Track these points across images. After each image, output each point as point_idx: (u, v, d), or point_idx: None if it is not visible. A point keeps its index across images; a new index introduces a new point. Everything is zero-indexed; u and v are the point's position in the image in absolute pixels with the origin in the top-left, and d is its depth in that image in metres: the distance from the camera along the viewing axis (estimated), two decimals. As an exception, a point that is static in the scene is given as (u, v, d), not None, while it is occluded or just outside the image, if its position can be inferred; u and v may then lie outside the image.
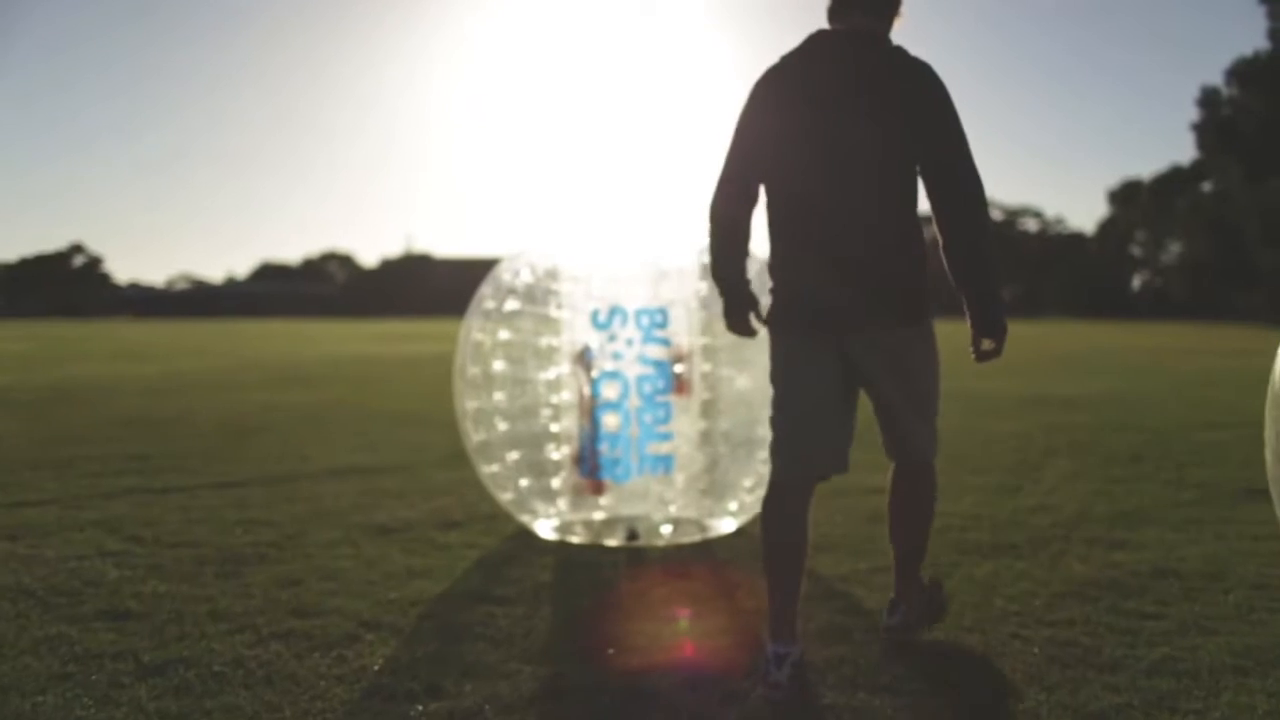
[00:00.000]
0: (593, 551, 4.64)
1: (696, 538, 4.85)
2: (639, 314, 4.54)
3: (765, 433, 5.09)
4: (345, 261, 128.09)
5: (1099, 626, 3.54)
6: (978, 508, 5.57)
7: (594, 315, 4.56)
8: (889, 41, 3.05)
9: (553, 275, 4.79)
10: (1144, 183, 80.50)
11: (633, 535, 4.70)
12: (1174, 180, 75.77)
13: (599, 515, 4.94)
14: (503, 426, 4.81)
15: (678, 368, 4.66)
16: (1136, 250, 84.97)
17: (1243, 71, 48.31)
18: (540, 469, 4.86)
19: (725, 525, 4.97)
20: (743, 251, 3.09)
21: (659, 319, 4.56)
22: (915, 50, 3.07)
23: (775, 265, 3.07)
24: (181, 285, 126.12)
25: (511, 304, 4.88)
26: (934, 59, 2.99)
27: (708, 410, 4.97)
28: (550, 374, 4.76)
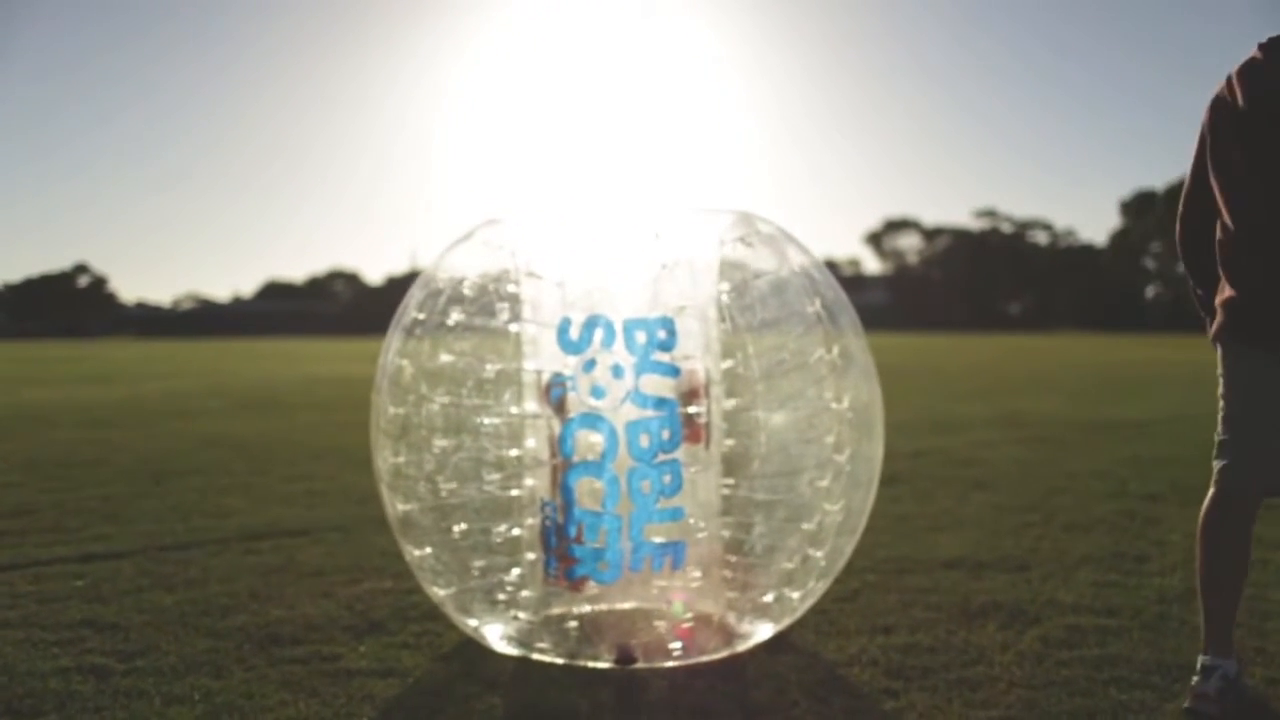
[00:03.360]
0: (565, 684, 3.11)
1: (720, 653, 3.32)
2: (631, 327, 3.01)
3: (811, 492, 3.59)
4: (351, 279, 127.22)
5: None
6: (1102, 592, 4.02)
7: (562, 330, 3.03)
8: None
9: (506, 272, 3.27)
10: (1158, 193, 79.29)
11: (626, 658, 3.17)
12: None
13: (576, 619, 3.40)
14: (436, 493, 3.29)
15: (691, 409, 3.14)
16: (1150, 262, 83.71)
17: (1268, 74, 46.61)
18: (490, 553, 3.34)
19: (760, 631, 3.44)
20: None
21: (662, 335, 3.03)
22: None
23: (1237, 273, 2.90)
24: (188, 304, 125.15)
25: (453, 315, 3.36)
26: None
27: (734, 466, 3.45)
28: (501, 416, 3.24)
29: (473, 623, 3.40)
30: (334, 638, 3.56)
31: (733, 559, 3.51)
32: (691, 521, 3.13)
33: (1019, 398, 13.69)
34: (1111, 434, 9.53)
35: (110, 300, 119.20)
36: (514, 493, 3.35)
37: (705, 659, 3.27)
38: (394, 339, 3.42)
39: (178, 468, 7.67)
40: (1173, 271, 79.04)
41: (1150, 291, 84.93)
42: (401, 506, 3.35)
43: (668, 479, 2.98)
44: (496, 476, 3.26)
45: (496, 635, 3.37)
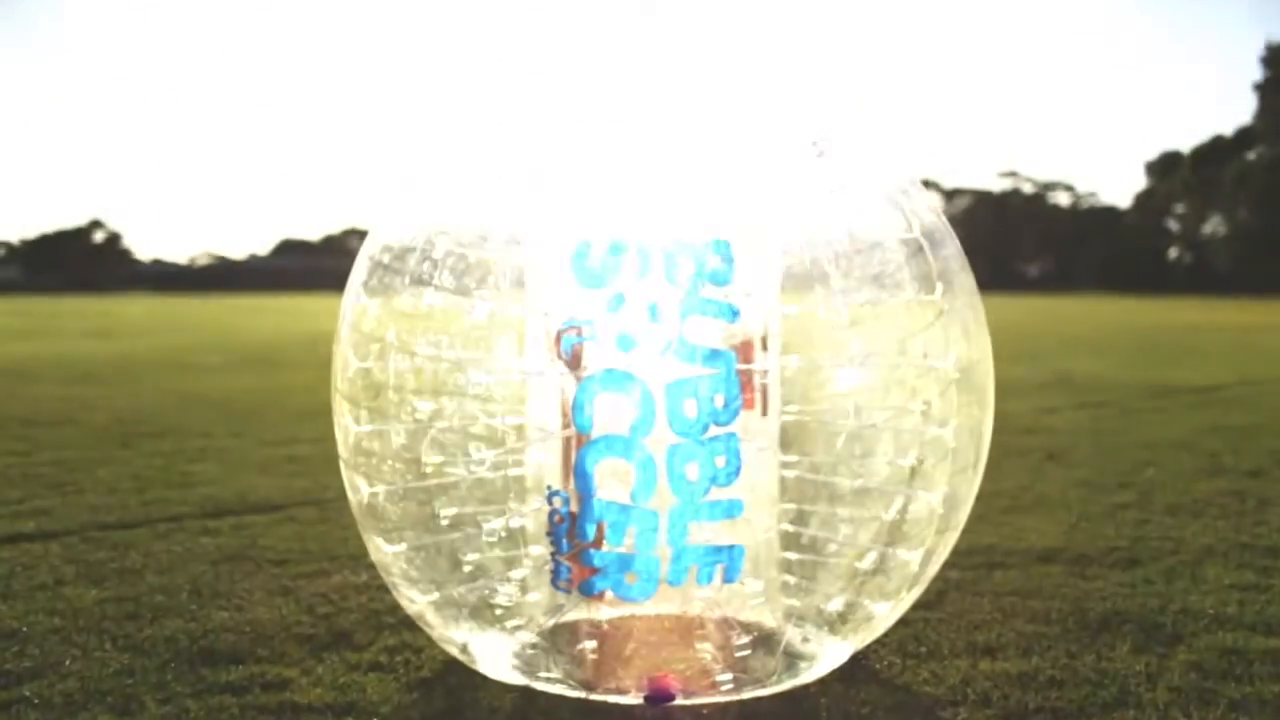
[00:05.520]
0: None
1: (781, 683, 2.53)
2: (673, 253, 2.21)
3: (895, 474, 2.80)
4: (366, 236, 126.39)
5: None
6: (1246, 598, 3.22)
7: (579, 256, 2.22)
8: None
9: (504, 183, 2.45)
10: (1183, 155, 78.02)
11: (661, 695, 2.39)
12: (1216, 151, 73.26)
13: (593, 636, 2.61)
14: (409, 474, 2.50)
15: (749, 365, 2.34)
16: (1173, 224, 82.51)
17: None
18: (480, 551, 2.55)
19: (830, 652, 2.65)
20: None
21: (714, 264, 2.22)
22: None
23: None
24: (204, 261, 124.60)
25: (439, 242, 2.55)
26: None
27: (793, 440, 2.65)
28: (496, 373, 2.44)
29: (460, 639, 2.62)
30: (285, 653, 2.79)
31: (793, 557, 2.72)
32: (752, 518, 2.33)
33: (1065, 359, 12.84)
34: (1177, 399, 8.70)
35: (125, 256, 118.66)
36: (512, 474, 2.56)
37: (762, 693, 2.49)
38: (360, 272, 2.63)
39: (151, 428, 6.92)
40: (1196, 234, 77.70)
41: (1173, 253, 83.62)
42: (366, 490, 2.56)
43: (721, 461, 2.19)
44: (488, 453, 2.47)
45: (490, 657, 2.60)
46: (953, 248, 2.64)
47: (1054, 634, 2.93)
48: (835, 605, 2.70)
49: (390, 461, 2.50)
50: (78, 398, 8.74)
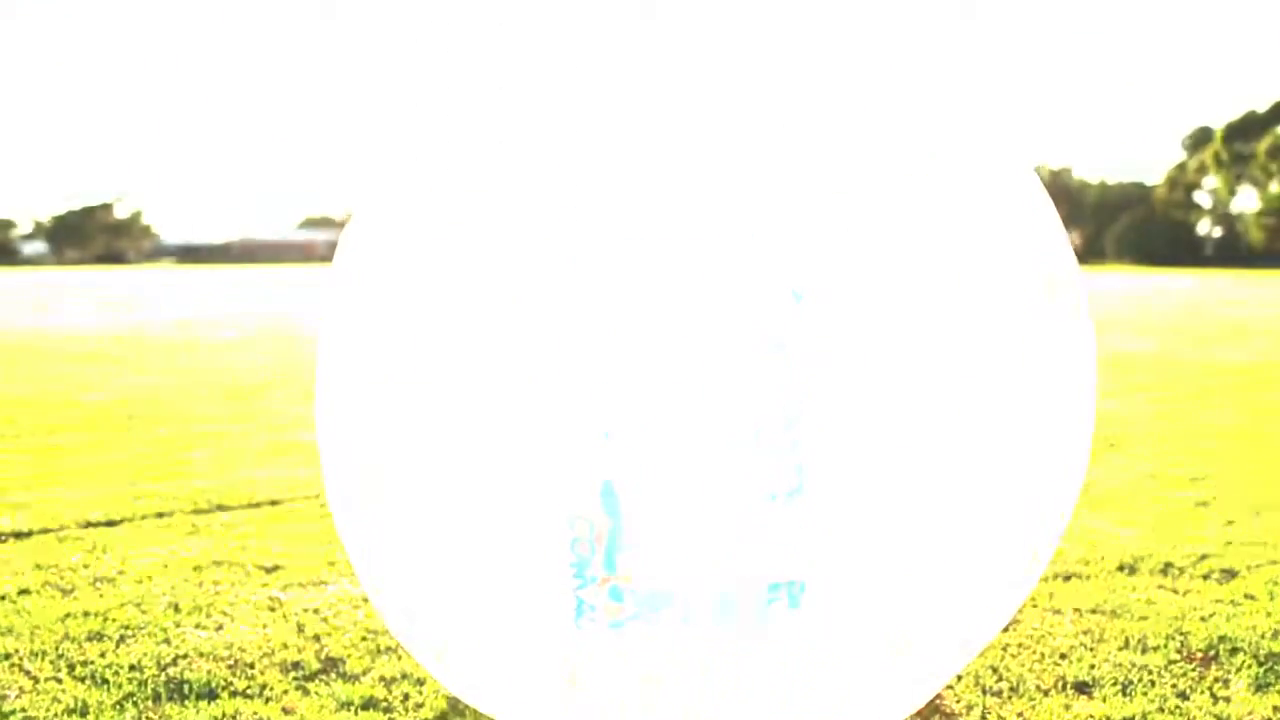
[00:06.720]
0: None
1: (842, 731, 2.14)
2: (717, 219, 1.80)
3: (968, 476, 2.38)
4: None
5: None
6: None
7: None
8: None
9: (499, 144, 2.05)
10: (1215, 129, 77.15)
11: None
12: (1249, 125, 72.48)
13: (624, 677, 2.21)
14: (403, 488, 2.11)
15: (821, 358, 1.93)
16: (1203, 198, 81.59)
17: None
18: (488, 574, 2.16)
19: (907, 688, 2.25)
20: None
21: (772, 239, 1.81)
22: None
23: None
24: (229, 236, 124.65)
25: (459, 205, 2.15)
26: None
27: (862, 446, 2.24)
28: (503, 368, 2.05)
29: (469, 677, 2.24)
30: (266, 685, 2.42)
31: (861, 577, 2.32)
32: (819, 540, 1.93)
33: (1104, 336, 12.36)
34: (1230, 380, 8.23)
35: (149, 230, 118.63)
36: (528, 487, 2.16)
37: (823, 744, 2.10)
38: (350, 252, 2.23)
39: (153, 410, 6.56)
40: (1227, 207, 76.74)
41: (1203, 227, 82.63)
42: (359, 503, 2.17)
43: (785, 472, 1.78)
44: (503, 463, 2.07)
45: (500, 698, 2.21)
46: (1055, 236, 2.23)
47: (1155, 666, 2.53)
48: (909, 632, 2.30)
49: (386, 473, 2.11)
50: (79, 376, 8.40)
